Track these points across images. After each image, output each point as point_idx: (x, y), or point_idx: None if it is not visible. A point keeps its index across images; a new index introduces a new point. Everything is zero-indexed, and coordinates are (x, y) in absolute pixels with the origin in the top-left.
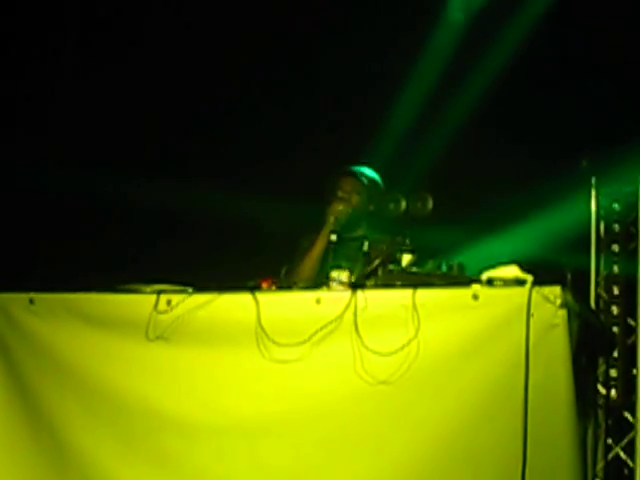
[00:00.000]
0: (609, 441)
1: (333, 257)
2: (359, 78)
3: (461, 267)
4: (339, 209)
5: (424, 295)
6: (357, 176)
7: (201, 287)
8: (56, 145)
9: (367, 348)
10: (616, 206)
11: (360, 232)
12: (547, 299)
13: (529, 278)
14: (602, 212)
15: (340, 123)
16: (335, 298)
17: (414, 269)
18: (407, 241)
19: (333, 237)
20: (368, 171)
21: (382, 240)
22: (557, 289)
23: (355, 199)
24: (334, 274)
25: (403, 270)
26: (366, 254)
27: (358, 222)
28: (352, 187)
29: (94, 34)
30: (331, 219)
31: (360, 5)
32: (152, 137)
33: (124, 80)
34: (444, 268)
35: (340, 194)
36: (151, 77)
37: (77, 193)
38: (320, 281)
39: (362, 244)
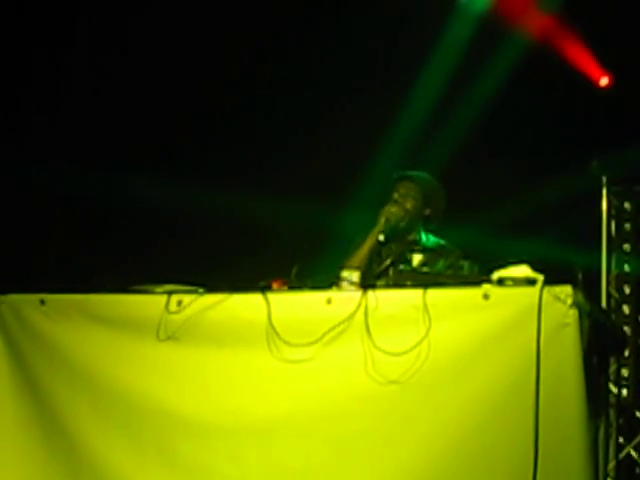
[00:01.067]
0: (620, 440)
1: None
2: (370, 75)
3: (472, 267)
4: (391, 211)
5: (435, 295)
6: (413, 180)
7: (212, 287)
8: (68, 145)
9: (378, 348)
10: (627, 205)
11: (413, 236)
12: (558, 299)
13: (540, 278)
14: (613, 211)
15: (351, 125)
16: (346, 298)
17: (425, 269)
18: (458, 251)
19: (381, 237)
20: (426, 176)
21: (439, 248)
22: (568, 288)
23: (410, 203)
24: (345, 274)
25: (414, 270)
26: (378, 254)
27: (413, 226)
28: (407, 191)
29: (102, 35)
30: (382, 220)
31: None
32: (166, 138)
33: (130, 81)
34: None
35: (396, 197)
36: (157, 78)
37: (89, 194)
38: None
39: (413, 250)
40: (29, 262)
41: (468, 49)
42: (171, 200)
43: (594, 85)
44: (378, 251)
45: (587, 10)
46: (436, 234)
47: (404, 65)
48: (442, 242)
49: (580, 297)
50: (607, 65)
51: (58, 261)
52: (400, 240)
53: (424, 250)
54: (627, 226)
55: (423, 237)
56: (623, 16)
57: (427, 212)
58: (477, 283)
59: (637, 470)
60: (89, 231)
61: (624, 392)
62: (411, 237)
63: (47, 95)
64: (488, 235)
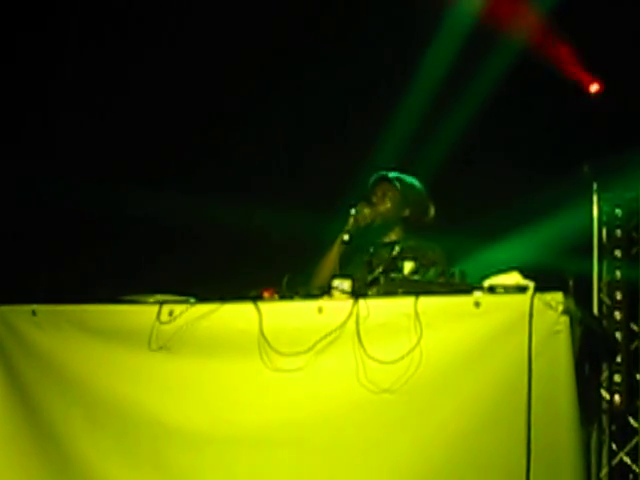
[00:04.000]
0: (613, 446)
1: (348, 261)
2: (361, 90)
3: (463, 274)
4: (361, 211)
5: (426, 303)
6: (391, 181)
7: (203, 297)
8: (63, 158)
9: (369, 356)
10: (618, 212)
11: (393, 237)
12: (549, 306)
13: (531, 285)
14: (604, 218)
15: (343, 135)
16: (337, 307)
17: (416, 277)
18: (439, 249)
19: (345, 237)
20: (408, 177)
21: (416, 246)
22: (559, 295)
23: (385, 204)
24: (336, 282)
25: (405, 278)
26: (369, 262)
27: (390, 227)
28: (384, 192)
29: (105, 49)
30: (350, 220)
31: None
32: (158, 152)
33: (129, 94)
34: (446, 276)
35: (373, 199)
36: (155, 91)
37: (80, 206)
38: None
39: (392, 249)
40: (20, 273)
41: (457, 57)
42: (162, 211)
43: (584, 92)
44: (369, 260)
45: (577, 17)
46: (419, 235)
47: (396, 73)
48: (422, 242)
49: (571, 304)
50: (597, 72)
51: (50, 272)
52: (373, 240)
53: (402, 250)
54: (618, 232)
55: (402, 238)
56: (613, 23)
57: (406, 213)
58: (468, 291)
59: (630, 477)
60: (80, 242)
61: (616, 398)
62: (388, 238)
63: (43, 106)
64: (479, 241)
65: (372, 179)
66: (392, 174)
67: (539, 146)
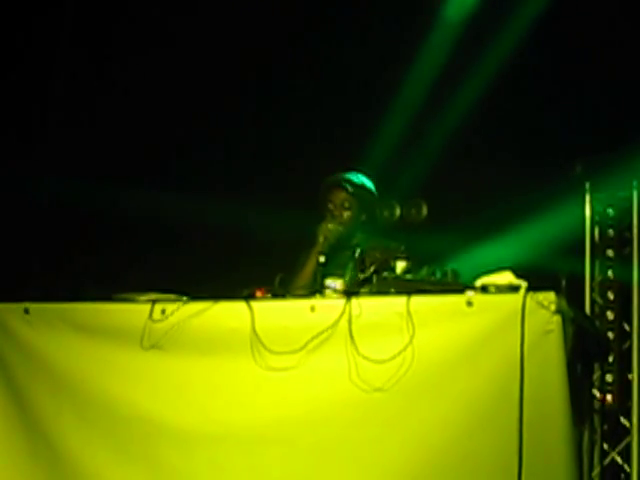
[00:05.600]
0: (605, 446)
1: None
2: (354, 85)
3: (455, 274)
4: (328, 228)
5: (418, 302)
6: (346, 189)
7: (195, 296)
8: (54, 157)
9: (362, 355)
10: (610, 211)
11: (354, 241)
12: (541, 305)
13: (523, 284)
14: (596, 217)
15: (335, 132)
16: (329, 306)
17: (408, 276)
18: (402, 247)
19: (321, 259)
20: (357, 178)
21: (377, 247)
22: (551, 295)
23: (345, 215)
24: (328, 281)
25: (397, 277)
26: (361, 261)
27: (352, 232)
28: (341, 201)
29: (99, 49)
30: (320, 239)
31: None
32: (153, 151)
33: (123, 93)
34: (438, 275)
35: (331, 207)
36: (150, 91)
37: (73, 204)
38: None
39: (354, 251)
40: (13, 271)
41: (449, 55)
42: (155, 210)
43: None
44: (361, 259)
45: (570, 14)
46: (376, 236)
47: (388, 70)
48: (385, 243)
49: (563, 303)
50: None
51: (43, 271)
52: (343, 249)
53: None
54: (610, 232)
55: (363, 240)
56: (609, 19)
57: (363, 218)
58: (461, 290)
59: (622, 476)
60: (73, 241)
61: (608, 398)
62: (353, 242)
63: (36, 105)
64: (471, 240)
65: (325, 184)
66: (346, 177)
67: (531, 145)
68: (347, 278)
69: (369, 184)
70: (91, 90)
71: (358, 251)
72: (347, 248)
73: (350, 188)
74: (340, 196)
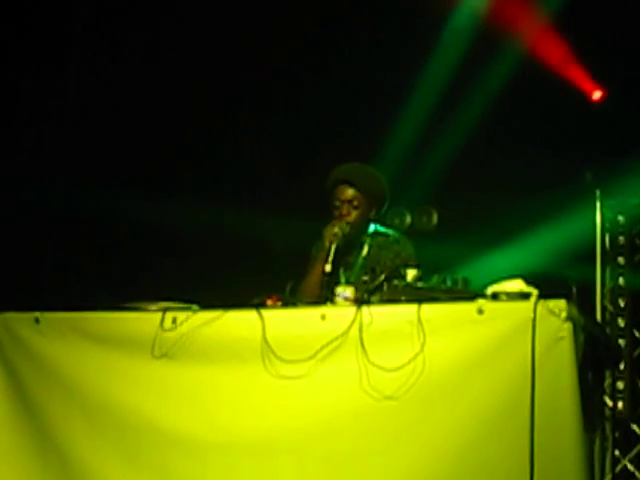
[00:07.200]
0: (616, 453)
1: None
2: (364, 92)
3: (466, 281)
4: (334, 232)
5: (429, 310)
6: (353, 184)
7: (206, 305)
8: (64, 164)
9: (373, 364)
10: (621, 218)
11: (363, 239)
12: (552, 312)
13: (534, 292)
14: (607, 224)
15: (346, 139)
16: (340, 314)
17: (419, 284)
18: (409, 246)
19: (327, 268)
20: (362, 171)
21: (383, 242)
22: (562, 302)
23: (353, 214)
24: (339, 289)
25: (408, 285)
26: (371, 270)
27: (361, 231)
28: (349, 198)
29: (104, 49)
30: (326, 244)
31: (364, 21)
32: (161, 157)
33: (127, 98)
34: (449, 283)
35: (337, 204)
36: (155, 95)
37: (84, 212)
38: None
39: (362, 248)
40: (23, 280)
41: (459, 64)
42: (166, 218)
43: (587, 98)
44: (372, 267)
45: (580, 24)
46: (382, 225)
47: (399, 76)
48: (390, 233)
49: (574, 311)
50: (600, 79)
51: (53, 280)
52: (351, 250)
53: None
54: (621, 239)
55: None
56: (616, 30)
57: (372, 214)
58: (471, 298)
59: None
60: (84, 249)
61: (620, 405)
62: (362, 240)
63: (40, 114)
64: (482, 248)
65: (330, 182)
66: (350, 171)
67: (542, 153)
68: (353, 278)
69: (375, 177)
70: (98, 94)
71: (365, 250)
72: (355, 248)
73: (359, 185)
74: (348, 193)
